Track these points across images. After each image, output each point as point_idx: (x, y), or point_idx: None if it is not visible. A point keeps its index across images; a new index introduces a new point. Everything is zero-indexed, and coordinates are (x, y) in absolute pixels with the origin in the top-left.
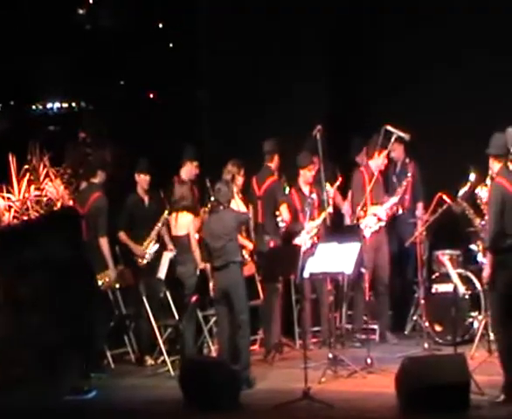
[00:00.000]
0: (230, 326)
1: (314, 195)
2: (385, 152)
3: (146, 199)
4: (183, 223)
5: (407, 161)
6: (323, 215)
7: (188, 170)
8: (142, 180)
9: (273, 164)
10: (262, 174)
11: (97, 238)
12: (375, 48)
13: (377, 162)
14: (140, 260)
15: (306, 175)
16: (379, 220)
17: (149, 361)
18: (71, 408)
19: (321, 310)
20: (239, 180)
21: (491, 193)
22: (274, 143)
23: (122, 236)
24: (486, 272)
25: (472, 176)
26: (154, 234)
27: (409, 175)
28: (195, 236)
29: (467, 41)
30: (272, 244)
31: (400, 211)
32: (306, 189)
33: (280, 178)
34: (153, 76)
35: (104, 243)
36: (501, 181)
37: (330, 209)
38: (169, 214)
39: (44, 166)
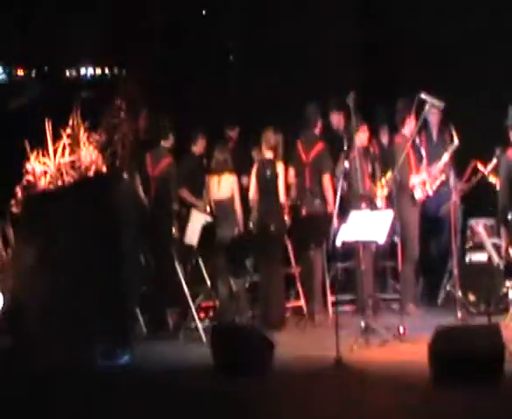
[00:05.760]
0: None
1: (346, 164)
2: (412, 115)
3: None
4: (228, 184)
5: (452, 130)
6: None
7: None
8: (200, 146)
9: (317, 129)
10: (308, 140)
11: (170, 203)
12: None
13: (411, 127)
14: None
15: (360, 138)
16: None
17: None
18: (102, 374)
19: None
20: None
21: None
22: (317, 108)
23: (185, 192)
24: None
25: (497, 151)
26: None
27: (455, 142)
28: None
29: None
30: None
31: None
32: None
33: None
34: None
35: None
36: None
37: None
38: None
39: (85, 131)
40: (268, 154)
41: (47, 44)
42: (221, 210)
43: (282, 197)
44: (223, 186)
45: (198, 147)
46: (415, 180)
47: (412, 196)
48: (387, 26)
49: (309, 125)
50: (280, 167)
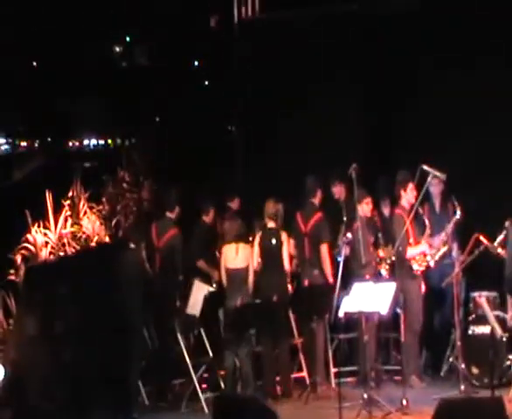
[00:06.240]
0: None
1: (349, 235)
2: (411, 185)
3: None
4: (245, 254)
5: (455, 201)
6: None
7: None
8: (211, 216)
9: (317, 200)
10: (307, 210)
11: (175, 274)
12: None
13: (408, 197)
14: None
15: (363, 209)
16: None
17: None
18: None
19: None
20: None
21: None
22: (316, 179)
23: (201, 262)
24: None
25: (507, 223)
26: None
27: (458, 214)
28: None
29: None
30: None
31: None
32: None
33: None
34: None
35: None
36: None
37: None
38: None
39: (85, 202)
40: (271, 224)
41: (50, 116)
42: (235, 280)
43: (287, 266)
44: (240, 255)
45: (209, 217)
46: (413, 252)
47: (411, 268)
48: (388, 100)
49: (309, 195)
50: (283, 236)
